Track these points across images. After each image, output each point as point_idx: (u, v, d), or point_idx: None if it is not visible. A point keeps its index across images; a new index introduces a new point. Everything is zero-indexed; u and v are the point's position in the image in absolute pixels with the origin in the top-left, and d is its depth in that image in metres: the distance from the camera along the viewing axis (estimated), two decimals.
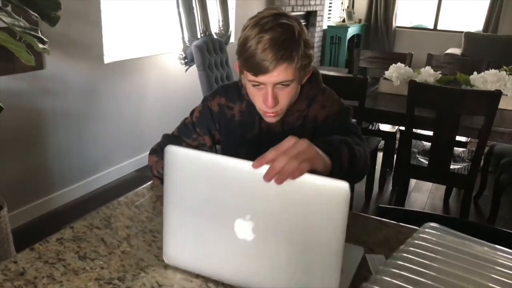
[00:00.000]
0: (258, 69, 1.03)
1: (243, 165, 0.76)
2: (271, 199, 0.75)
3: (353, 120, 1.30)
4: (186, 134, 1.28)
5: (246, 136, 1.26)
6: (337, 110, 1.21)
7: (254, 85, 1.09)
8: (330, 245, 0.72)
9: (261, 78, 1.05)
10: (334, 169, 0.87)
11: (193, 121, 1.29)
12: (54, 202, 2.73)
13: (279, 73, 1.04)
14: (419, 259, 0.81)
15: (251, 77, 1.07)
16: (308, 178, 0.72)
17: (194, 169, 0.80)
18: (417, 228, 0.98)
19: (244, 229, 0.78)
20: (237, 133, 1.26)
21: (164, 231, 0.86)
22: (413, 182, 3.31)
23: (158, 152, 1.25)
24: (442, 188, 3.20)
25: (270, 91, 1.07)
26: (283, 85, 1.07)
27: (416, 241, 0.86)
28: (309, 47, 1.09)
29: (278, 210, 0.75)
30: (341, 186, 0.68)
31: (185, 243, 0.85)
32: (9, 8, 2.06)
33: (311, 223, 0.73)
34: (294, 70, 1.05)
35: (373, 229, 1.07)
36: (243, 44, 1.06)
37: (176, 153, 0.81)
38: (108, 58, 2.92)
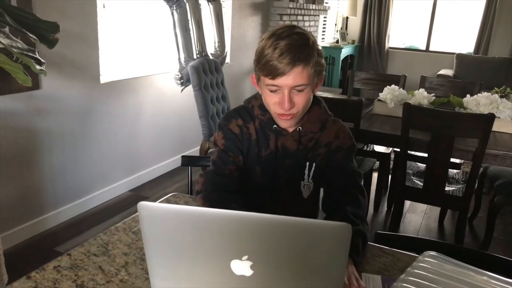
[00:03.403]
0: (276, 72, 1.10)
1: (228, 214, 0.74)
2: (269, 240, 0.73)
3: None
4: (223, 162, 1.28)
5: (261, 154, 1.29)
6: (349, 144, 1.31)
7: (271, 91, 1.16)
8: (332, 280, 0.72)
9: (278, 81, 1.12)
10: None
11: (223, 149, 1.29)
12: (48, 223, 2.70)
13: (295, 76, 1.11)
14: None
15: (269, 81, 1.13)
16: (310, 221, 0.72)
17: (172, 222, 0.77)
18: (416, 255, 0.98)
19: (241, 268, 0.75)
20: (254, 152, 1.30)
21: (151, 276, 0.82)
22: (407, 203, 3.32)
23: (202, 192, 1.25)
24: (437, 209, 3.21)
25: (286, 94, 1.13)
26: (298, 89, 1.14)
27: (416, 271, 0.87)
28: (321, 56, 1.17)
29: (278, 249, 0.73)
30: (344, 226, 0.69)
31: (175, 284, 0.81)
32: (6, 30, 2.07)
33: (313, 259, 0.72)
34: (308, 74, 1.13)
35: (371, 256, 1.07)
36: (260, 53, 1.14)
37: (150, 209, 0.76)
38: (104, 78, 2.93)
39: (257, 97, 1.31)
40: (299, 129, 1.27)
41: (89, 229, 2.73)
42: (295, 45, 1.10)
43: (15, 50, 1.73)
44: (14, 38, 1.79)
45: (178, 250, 0.77)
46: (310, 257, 0.72)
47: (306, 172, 1.31)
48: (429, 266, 0.88)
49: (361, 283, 0.92)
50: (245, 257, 0.74)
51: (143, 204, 0.75)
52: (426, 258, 0.90)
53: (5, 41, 1.73)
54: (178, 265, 0.79)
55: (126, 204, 3.10)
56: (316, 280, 0.73)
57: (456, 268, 0.88)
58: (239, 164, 1.29)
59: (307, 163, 1.30)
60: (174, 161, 3.74)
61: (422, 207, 3.31)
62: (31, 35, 1.75)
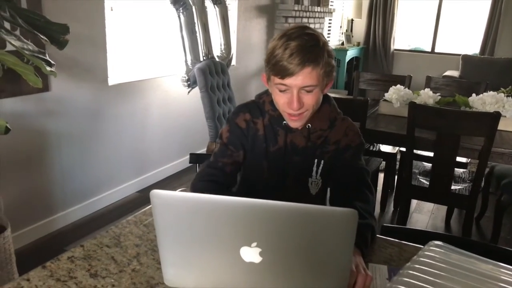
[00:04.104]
0: (285, 72, 1.12)
1: (238, 201, 0.77)
2: (278, 227, 0.75)
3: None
4: (221, 155, 1.32)
5: (269, 150, 1.32)
6: (357, 142, 1.32)
7: (280, 90, 1.17)
8: (339, 265, 0.74)
9: (288, 81, 1.13)
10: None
11: (225, 142, 1.32)
12: (57, 223, 2.73)
13: (304, 76, 1.12)
14: (425, 276, 0.83)
15: (278, 81, 1.15)
16: (317, 208, 0.75)
17: (184, 209, 0.79)
18: (421, 246, 0.99)
19: (250, 254, 0.78)
20: (262, 147, 1.32)
21: (162, 264, 0.85)
22: (414, 202, 3.33)
23: (194, 180, 1.29)
24: (444, 208, 3.21)
25: (295, 94, 1.15)
26: (307, 90, 1.15)
27: (422, 259, 0.88)
28: (331, 57, 1.19)
29: (286, 236, 0.76)
30: (351, 212, 0.71)
31: (186, 271, 0.84)
32: (17, 32, 2.11)
33: (320, 245, 0.75)
34: (318, 75, 1.14)
35: (378, 247, 1.09)
36: (271, 53, 1.16)
37: (162, 197, 0.79)
38: (112, 80, 2.97)
39: (268, 93, 1.33)
40: (308, 126, 1.29)
41: (97, 229, 2.76)
42: (305, 46, 1.12)
43: (26, 52, 1.76)
44: (25, 40, 1.82)
45: (189, 238, 0.80)
46: (317, 243, 0.74)
47: (314, 169, 1.32)
48: (434, 255, 0.89)
49: (368, 272, 0.94)
50: (254, 243, 0.76)
51: (155, 192, 0.78)
52: (431, 247, 0.92)
53: (17, 43, 1.77)
54: (189, 252, 0.81)
55: (134, 205, 3.13)
56: (324, 265, 0.75)
57: (461, 256, 0.90)
58: (237, 159, 1.32)
59: (315, 160, 1.32)
60: (181, 162, 3.77)
61: (428, 206, 3.32)
62: (42, 36, 1.79)
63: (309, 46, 1.12)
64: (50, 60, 1.84)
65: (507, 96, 2.83)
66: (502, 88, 3.11)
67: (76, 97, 2.70)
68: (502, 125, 2.43)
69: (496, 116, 2.15)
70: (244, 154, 1.33)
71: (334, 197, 1.31)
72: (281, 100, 1.20)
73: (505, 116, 2.58)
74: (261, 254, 0.77)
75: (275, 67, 1.14)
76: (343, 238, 0.72)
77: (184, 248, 0.81)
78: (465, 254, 0.91)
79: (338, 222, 0.72)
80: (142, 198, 3.24)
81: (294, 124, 1.26)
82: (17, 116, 2.36)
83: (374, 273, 0.97)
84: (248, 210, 0.75)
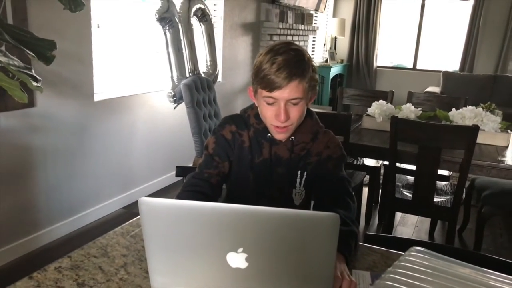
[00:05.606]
0: (273, 85, 1.17)
1: (224, 207, 0.79)
2: (263, 232, 0.77)
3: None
4: (206, 166, 1.35)
5: (255, 161, 1.35)
6: (339, 154, 1.37)
7: (268, 103, 1.22)
8: (323, 268, 0.76)
9: (275, 94, 1.18)
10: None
11: (211, 153, 1.35)
12: (41, 240, 2.70)
13: (291, 89, 1.17)
14: (406, 280, 0.85)
15: (266, 94, 1.20)
16: (300, 212, 0.77)
17: (172, 216, 0.81)
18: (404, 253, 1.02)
19: (237, 260, 0.79)
20: (247, 158, 1.35)
21: (150, 272, 0.85)
22: (398, 216, 3.37)
23: (179, 193, 1.31)
24: (427, 221, 3.26)
25: (282, 106, 1.20)
26: (293, 103, 1.20)
27: (403, 263, 0.91)
28: (315, 72, 1.24)
29: (271, 241, 0.78)
30: (333, 215, 0.74)
31: (174, 279, 0.85)
32: (3, 48, 2.12)
33: (304, 248, 0.77)
34: (304, 88, 1.19)
35: (361, 254, 1.11)
36: (258, 67, 1.21)
37: (150, 204, 0.80)
38: (98, 96, 2.98)
39: (253, 107, 1.37)
40: (292, 138, 1.33)
41: (82, 246, 2.73)
42: (292, 60, 1.17)
43: (12, 68, 1.77)
44: (10, 56, 1.83)
45: (177, 245, 0.81)
46: (301, 247, 0.76)
47: (298, 180, 1.36)
48: (416, 260, 0.92)
49: (352, 278, 0.96)
50: (240, 249, 0.78)
51: (143, 200, 0.79)
52: (412, 253, 0.95)
53: (2, 59, 1.78)
54: (176, 259, 0.83)
55: (119, 221, 3.09)
56: (309, 269, 0.77)
57: (442, 261, 0.93)
58: (223, 170, 1.35)
59: (299, 172, 1.35)
60: (167, 178, 3.77)
61: (412, 219, 3.36)
62: (29, 52, 1.80)
63: (295, 61, 1.18)
64: (36, 76, 1.84)
65: (485, 110, 2.92)
66: (481, 103, 3.20)
67: (61, 113, 2.70)
68: (480, 139, 2.50)
69: (474, 129, 2.21)
70: (229, 165, 1.36)
71: (317, 206, 1.34)
72: (268, 113, 1.24)
73: (484, 130, 2.65)
74: (247, 259, 0.79)
75: (263, 81, 1.19)
76: (326, 241, 0.74)
77: (171, 255, 0.82)
78: (446, 259, 0.94)
79: (321, 225, 0.74)
80: (127, 214, 3.22)
81: (280, 136, 1.29)
82: (2, 131, 2.35)
83: (357, 279, 0.99)
84: (234, 216, 0.77)
